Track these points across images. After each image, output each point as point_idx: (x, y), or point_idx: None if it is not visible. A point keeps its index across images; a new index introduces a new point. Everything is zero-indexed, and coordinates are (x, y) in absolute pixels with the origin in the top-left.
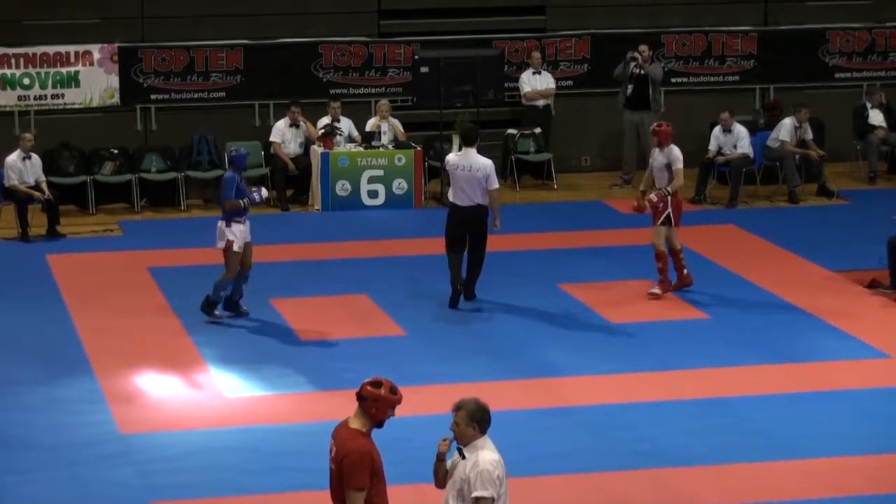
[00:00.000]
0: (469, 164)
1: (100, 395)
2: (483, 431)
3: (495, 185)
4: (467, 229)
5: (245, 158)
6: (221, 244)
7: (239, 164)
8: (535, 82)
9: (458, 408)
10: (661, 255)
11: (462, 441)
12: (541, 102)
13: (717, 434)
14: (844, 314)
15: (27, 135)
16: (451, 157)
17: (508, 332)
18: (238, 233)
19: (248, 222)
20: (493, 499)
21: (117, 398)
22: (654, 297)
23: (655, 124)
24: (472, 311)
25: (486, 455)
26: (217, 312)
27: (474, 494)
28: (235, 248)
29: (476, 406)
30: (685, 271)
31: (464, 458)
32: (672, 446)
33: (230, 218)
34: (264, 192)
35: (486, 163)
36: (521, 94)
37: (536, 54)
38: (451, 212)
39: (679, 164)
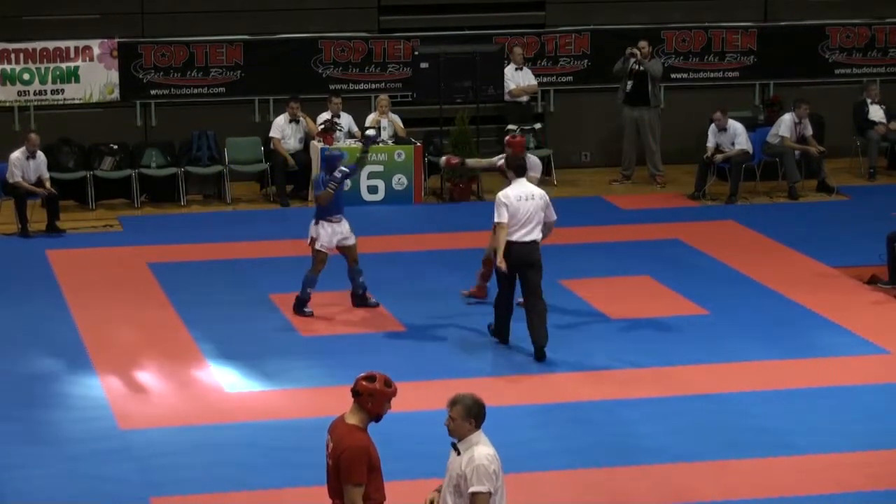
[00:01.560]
0: (531, 192)
1: (99, 391)
2: (479, 426)
3: (554, 216)
4: (523, 271)
5: (337, 159)
6: (309, 240)
7: (330, 164)
8: (518, 78)
9: (453, 403)
10: (489, 262)
11: (458, 436)
12: (524, 98)
13: (716, 430)
14: (844, 310)
15: (33, 135)
16: (509, 192)
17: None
18: (327, 231)
19: (344, 222)
20: (490, 493)
21: (117, 394)
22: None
23: (509, 136)
24: (471, 307)
25: (481, 450)
26: (306, 310)
27: (472, 490)
28: (318, 245)
29: (472, 401)
30: (487, 283)
31: (459, 453)
32: (671, 442)
33: (321, 216)
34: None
35: (542, 192)
36: (506, 90)
37: (518, 50)
38: (509, 251)
39: (536, 173)
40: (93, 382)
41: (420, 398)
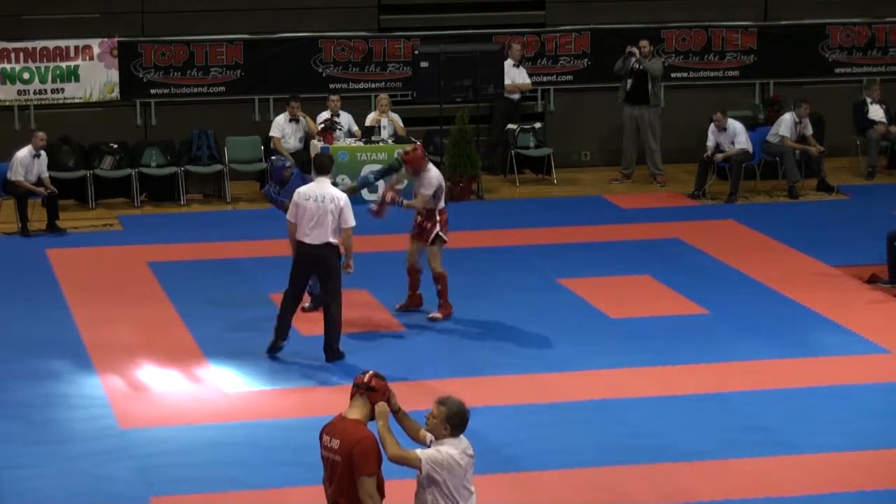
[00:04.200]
0: (322, 194)
1: (100, 390)
2: (455, 434)
3: (351, 222)
4: (313, 273)
5: (281, 170)
6: None
7: (277, 175)
8: (514, 75)
9: (442, 402)
10: (440, 277)
11: (433, 434)
12: (515, 96)
13: (716, 429)
14: (844, 309)
15: (41, 133)
16: (302, 189)
17: (507, 327)
18: None
19: None
20: (419, 460)
21: (117, 393)
22: (436, 320)
23: (403, 151)
24: (471, 307)
25: (444, 448)
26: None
27: (417, 450)
28: None
29: (457, 410)
30: (418, 292)
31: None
32: (671, 442)
33: None
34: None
35: (339, 195)
36: None
37: (517, 46)
38: (296, 252)
39: (428, 191)
40: (93, 382)
41: (419, 398)
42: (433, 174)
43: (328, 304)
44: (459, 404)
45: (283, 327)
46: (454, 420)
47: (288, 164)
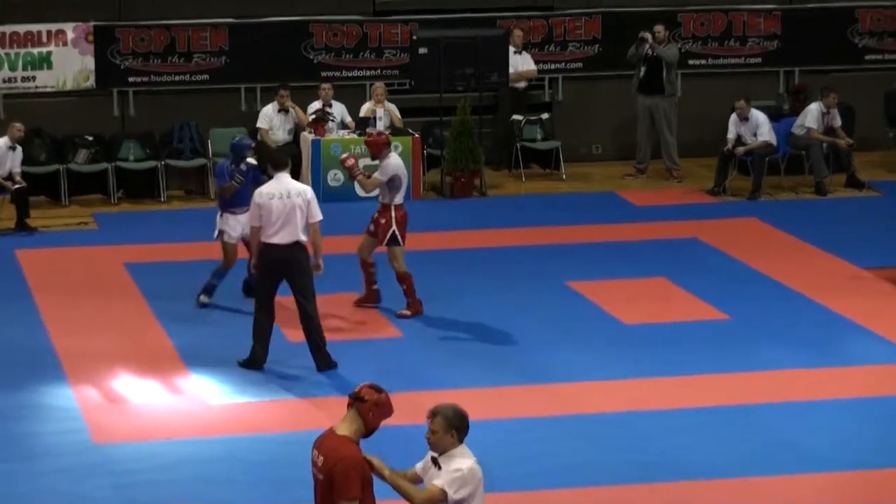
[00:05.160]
0: (286, 190)
1: (72, 402)
2: (461, 440)
3: (319, 216)
4: (283, 276)
5: (245, 148)
6: (215, 234)
7: (238, 153)
8: (517, 62)
9: (434, 414)
10: (404, 277)
11: (439, 450)
12: (521, 85)
13: (738, 444)
14: (875, 315)
15: (18, 124)
16: (264, 189)
17: (513, 334)
18: (231, 224)
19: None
20: (444, 492)
21: (91, 405)
22: (405, 317)
23: (367, 135)
24: (473, 311)
25: (458, 462)
26: (203, 299)
27: (434, 481)
28: (225, 238)
29: (454, 412)
30: (375, 286)
31: (439, 468)
32: (689, 458)
33: (225, 208)
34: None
35: (305, 188)
36: None
37: (518, 32)
38: (263, 254)
39: (381, 176)
40: (65, 392)
41: (419, 410)
42: (392, 162)
43: (305, 307)
44: (453, 407)
45: (259, 351)
46: (456, 423)
47: (253, 144)
